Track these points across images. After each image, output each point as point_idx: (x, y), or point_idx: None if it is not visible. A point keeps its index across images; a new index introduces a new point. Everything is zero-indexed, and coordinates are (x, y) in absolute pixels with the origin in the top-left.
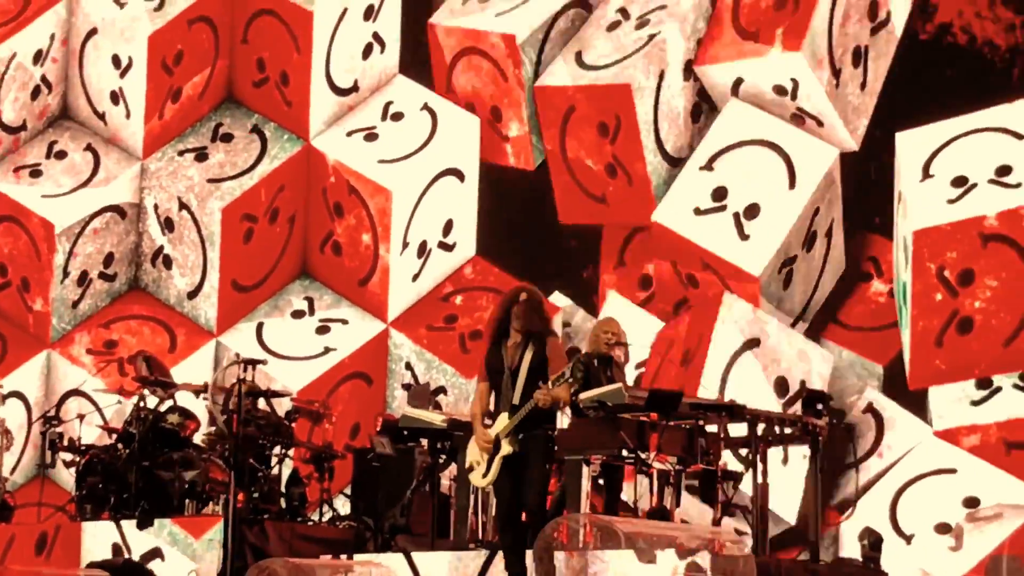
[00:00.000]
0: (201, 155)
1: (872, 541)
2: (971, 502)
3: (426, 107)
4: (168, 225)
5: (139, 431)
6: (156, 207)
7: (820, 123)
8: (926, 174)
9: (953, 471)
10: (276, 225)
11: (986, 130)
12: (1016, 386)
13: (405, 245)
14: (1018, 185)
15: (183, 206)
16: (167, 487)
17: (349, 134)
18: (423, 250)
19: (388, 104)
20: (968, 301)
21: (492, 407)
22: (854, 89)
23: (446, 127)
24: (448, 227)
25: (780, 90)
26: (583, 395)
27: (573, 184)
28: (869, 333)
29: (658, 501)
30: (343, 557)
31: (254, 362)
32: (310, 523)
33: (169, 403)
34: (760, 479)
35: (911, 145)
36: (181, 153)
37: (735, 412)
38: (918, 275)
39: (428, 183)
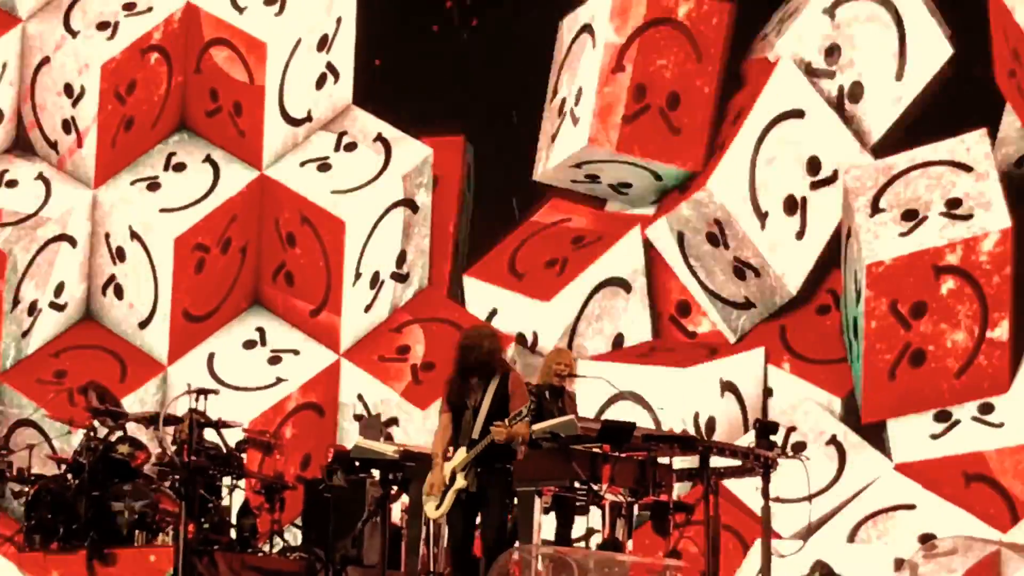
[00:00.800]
0: (153, 184)
1: (824, 574)
2: (927, 538)
3: (379, 138)
4: (119, 255)
5: (89, 461)
6: (108, 236)
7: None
8: (876, 209)
9: (912, 507)
10: (228, 255)
11: (934, 164)
12: (975, 419)
13: (358, 276)
14: (969, 216)
15: (134, 235)
16: (117, 518)
17: (302, 164)
18: (376, 281)
19: (342, 134)
20: (920, 334)
21: (453, 441)
22: (788, 236)
23: (399, 158)
24: (401, 258)
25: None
26: (536, 427)
27: None
28: (827, 365)
29: (610, 533)
30: None
31: (205, 392)
32: (260, 554)
33: (119, 433)
34: (712, 511)
35: (859, 180)
36: (133, 183)
37: (687, 444)
38: (870, 309)
39: (381, 214)
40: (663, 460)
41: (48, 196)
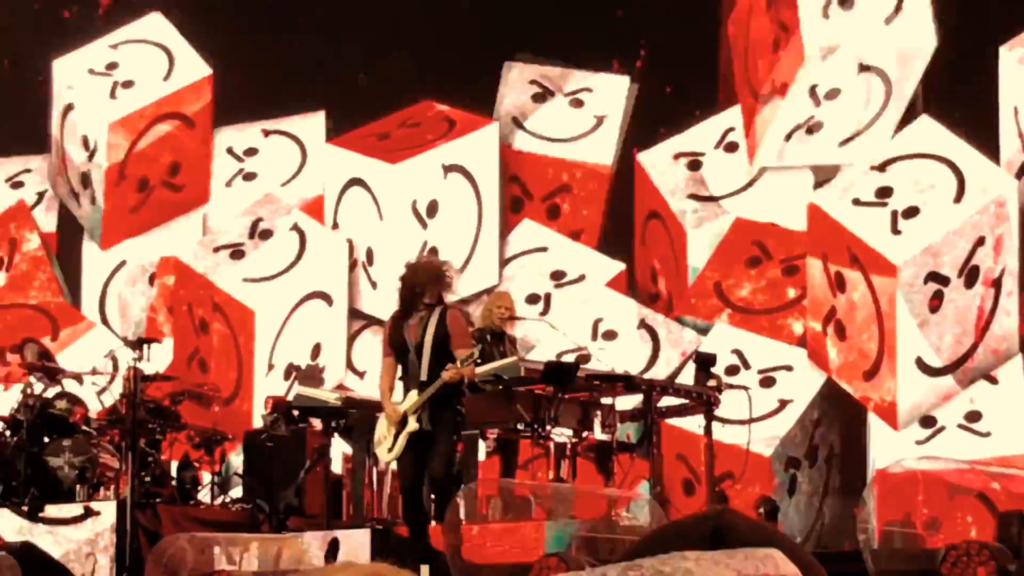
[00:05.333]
0: None
1: (768, 510)
2: None
3: (295, 227)
4: None
5: (27, 418)
6: None
7: None
8: (883, 168)
9: None
10: None
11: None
12: (960, 426)
13: (271, 367)
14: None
15: None
16: (57, 474)
17: (216, 250)
18: (290, 373)
19: (257, 221)
20: (843, 308)
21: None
22: None
23: (315, 248)
24: (316, 351)
25: None
26: (479, 369)
27: None
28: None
29: (555, 473)
30: None
31: (145, 342)
32: (202, 506)
33: (56, 389)
34: (656, 451)
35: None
36: None
37: (631, 383)
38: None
39: (294, 305)
40: (606, 400)
41: None
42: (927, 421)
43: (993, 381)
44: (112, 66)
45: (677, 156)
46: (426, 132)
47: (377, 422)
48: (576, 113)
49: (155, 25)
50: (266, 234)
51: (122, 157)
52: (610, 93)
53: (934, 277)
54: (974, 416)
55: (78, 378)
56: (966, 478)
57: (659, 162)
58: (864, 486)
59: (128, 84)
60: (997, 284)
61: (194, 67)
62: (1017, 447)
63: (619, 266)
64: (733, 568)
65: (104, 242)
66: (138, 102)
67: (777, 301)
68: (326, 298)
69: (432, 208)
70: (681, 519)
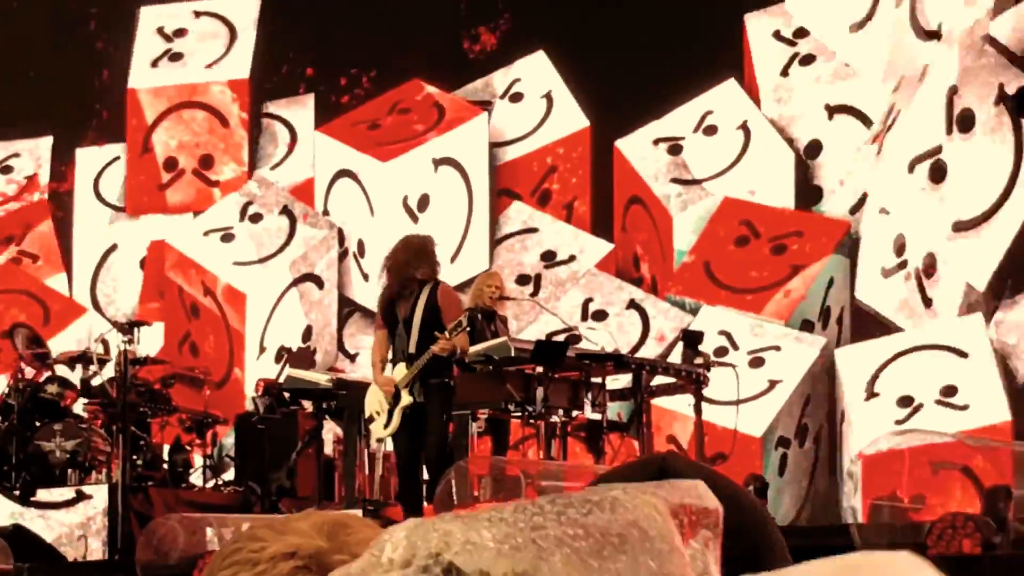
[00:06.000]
0: None
1: (757, 488)
2: None
3: (285, 210)
4: None
5: (18, 403)
6: None
7: None
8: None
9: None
10: None
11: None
12: (938, 402)
13: (262, 350)
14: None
15: None
16: (48, 458)
17: (206, 233)
18: (281, 356)
19: (247, 204)
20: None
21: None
22: None
23: (305, 231)
24: (307, 333)
25: None
26: (470, 349)
27: None
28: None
29: (546, 452)
30: None
31: (136, 326)
32: (195, 489)
33: (47, 374)
34: (646, 430)
35: None
36: None
37: (621, 362)
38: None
39: (285, 288)
40: (596, 379)
41: None
42: (904, 400)
43: (963, 355)
44: (180, 33)
45: (657, 141)
46: (416, 121)
47: (366, 398)
48: (523, 106)
49: (240, 3)
50: (256, 217)
51: (145, 129)
52: (537, 70)
53: None
54: (950, 391)
55: (69, 363)
56: (950, 452)
57: (639, 148)
58: (851, 464)
59: (176, 57)
60: None
61: (240, 63)
62: (995, 416)
63: (608, 246)
64: (659, 496)
65: (129, 209)
66: (171, 79)
67: (766, 280)
68: (317, 281)
69: (423, 202)
70: (628, 462)
